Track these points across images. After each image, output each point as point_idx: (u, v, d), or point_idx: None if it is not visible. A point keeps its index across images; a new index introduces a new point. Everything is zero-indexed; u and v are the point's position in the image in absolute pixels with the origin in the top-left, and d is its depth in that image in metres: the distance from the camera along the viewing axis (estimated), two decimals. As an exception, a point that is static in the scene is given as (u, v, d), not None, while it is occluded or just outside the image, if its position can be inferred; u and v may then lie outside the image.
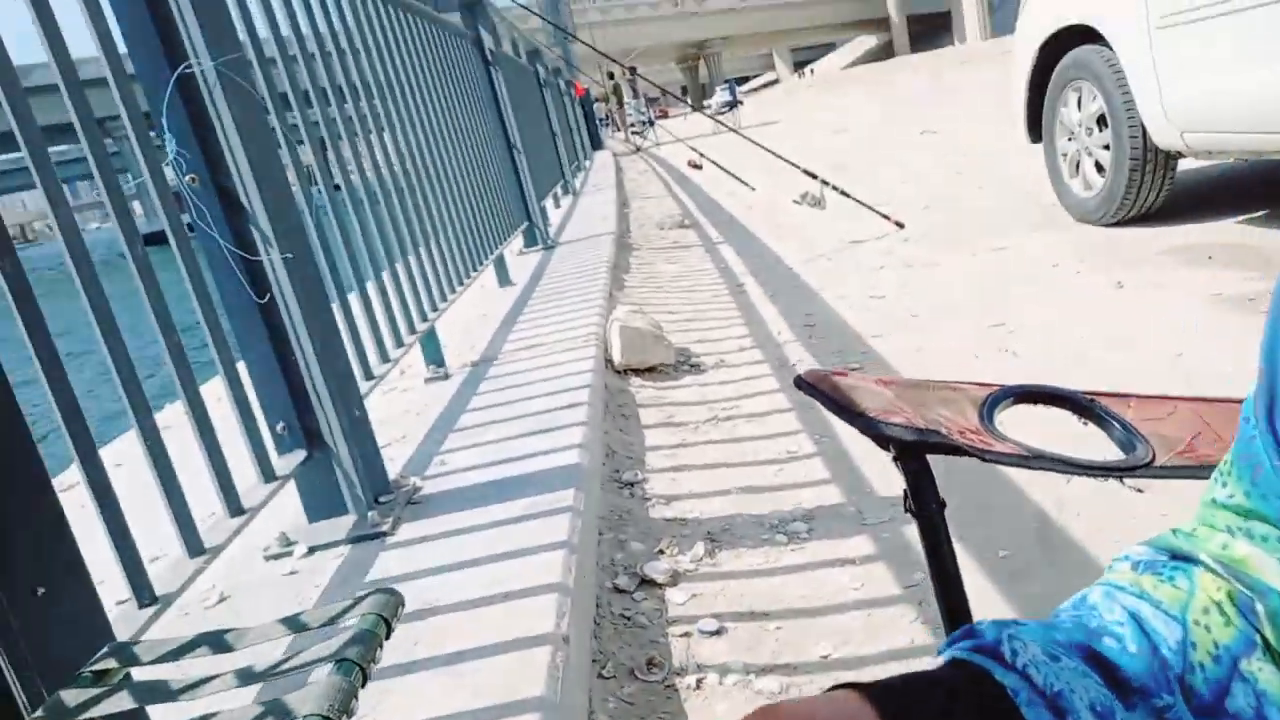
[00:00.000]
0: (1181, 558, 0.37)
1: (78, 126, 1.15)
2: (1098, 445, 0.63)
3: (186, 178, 1.40)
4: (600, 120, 22.18)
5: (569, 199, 7.83)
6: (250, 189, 1.43)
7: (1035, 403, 0.64)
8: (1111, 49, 3.28)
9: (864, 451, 1.90)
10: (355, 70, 2.32)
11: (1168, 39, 2.96)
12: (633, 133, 20.57)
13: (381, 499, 1.63)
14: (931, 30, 70.09)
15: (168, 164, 1.35)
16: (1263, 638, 0.33)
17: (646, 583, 1.50)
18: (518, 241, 4.69)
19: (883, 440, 0.57)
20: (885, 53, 68.42)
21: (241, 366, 1.50)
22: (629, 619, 1.37)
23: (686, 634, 1.34)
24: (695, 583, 1.50)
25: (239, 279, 1.46)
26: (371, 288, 2.15)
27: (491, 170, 3.96)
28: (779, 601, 1.41)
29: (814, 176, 4.74)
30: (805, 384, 0.62)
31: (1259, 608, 0.33)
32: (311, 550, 1.51)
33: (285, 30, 1.97)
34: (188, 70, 1.37)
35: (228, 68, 1.40)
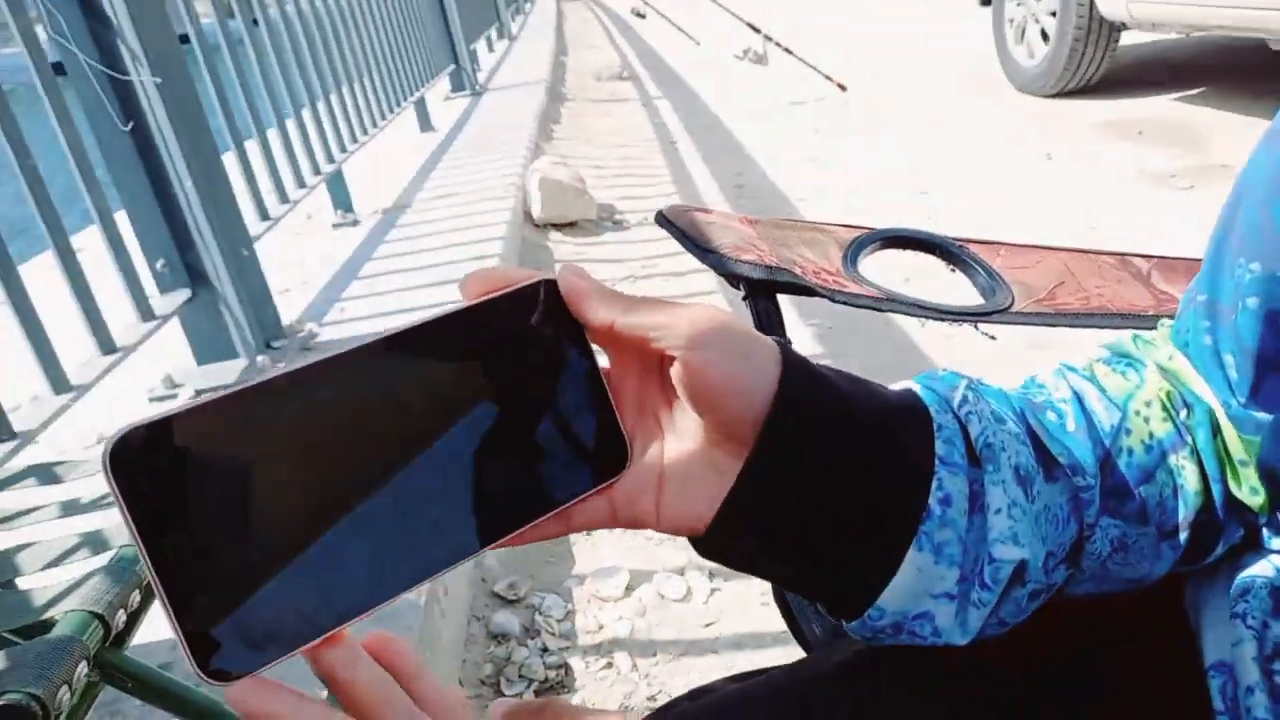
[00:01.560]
0: (1136, 360, 0.39)
1: None
2: (965, 294, 0.61)
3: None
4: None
5: (504, 43, 7.43)
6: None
7: (903, 247, 0.61)
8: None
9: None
10: None
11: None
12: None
13: (274, 344, 1.57)
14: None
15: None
16: (1191, 439, 0.36)
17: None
18: (444, 86, 4.45)
19: (733, 279, 0.53)
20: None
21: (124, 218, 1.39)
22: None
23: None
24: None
25: (105, 101, 1.34)
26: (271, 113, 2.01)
27: (416, 5, 3.70)
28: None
29: (757, 31, 4.56)
30: (665, 220, 0.58)
31: (1184, 414, 0.36)
32: (199, 393, 1.45)
33: None
34: None
35: None
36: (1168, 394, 0.36)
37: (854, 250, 0.59)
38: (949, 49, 4.95)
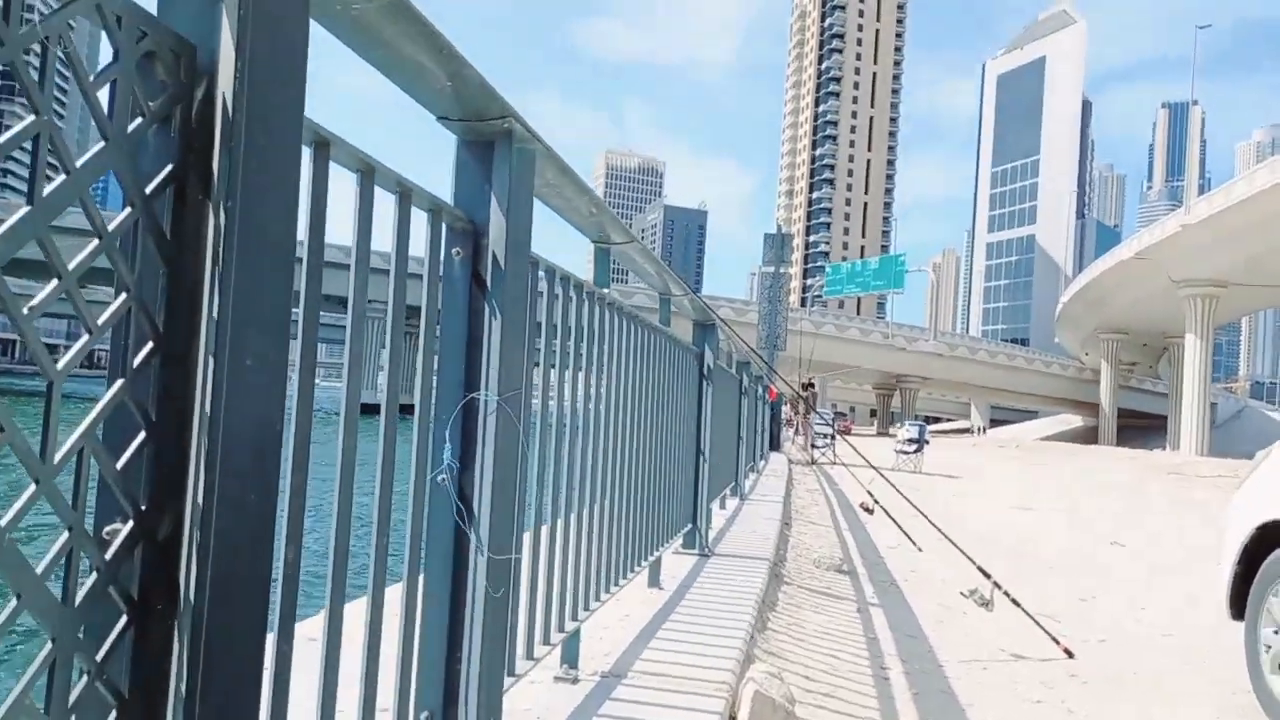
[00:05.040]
0: None
1: (350, 305, 1.35)
2: None
3: (439, 477, 1.62)
4: (785, 422, 22.68)
5: (736, 500, 7.95)
6: (484, 501, 1.64)
7: None
8: (1337, 560, 3.11)
9: None
10: (595, 332, 2.59)
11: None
12: (812, 445, 20.81)
13: (485, 816, 1.65)
14: (1142, 429, 68.17)
15: (440, 475, 1.59)
16: None
17: None
18: (677, 540, 4.80)
19: None
20: (1089, 436, 66.85)
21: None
22: None
23: None
24: None
25: (460, 572, 1.63)
26: (539, 570, 2.27)
27: (675, 471, 4.17)
28: None
29: (987, 575, 4.62)
30: None
31: None
32: None
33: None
34: (474, 396, 1.64)
35: (506, 401, 1.66)
36: None
37: None
38: (1186, 633, 4.70)
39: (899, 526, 7.18)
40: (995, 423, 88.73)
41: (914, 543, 6.95)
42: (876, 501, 7.82)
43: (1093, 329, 64.71)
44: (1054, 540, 8.92)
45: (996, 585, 4.53)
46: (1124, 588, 6.27)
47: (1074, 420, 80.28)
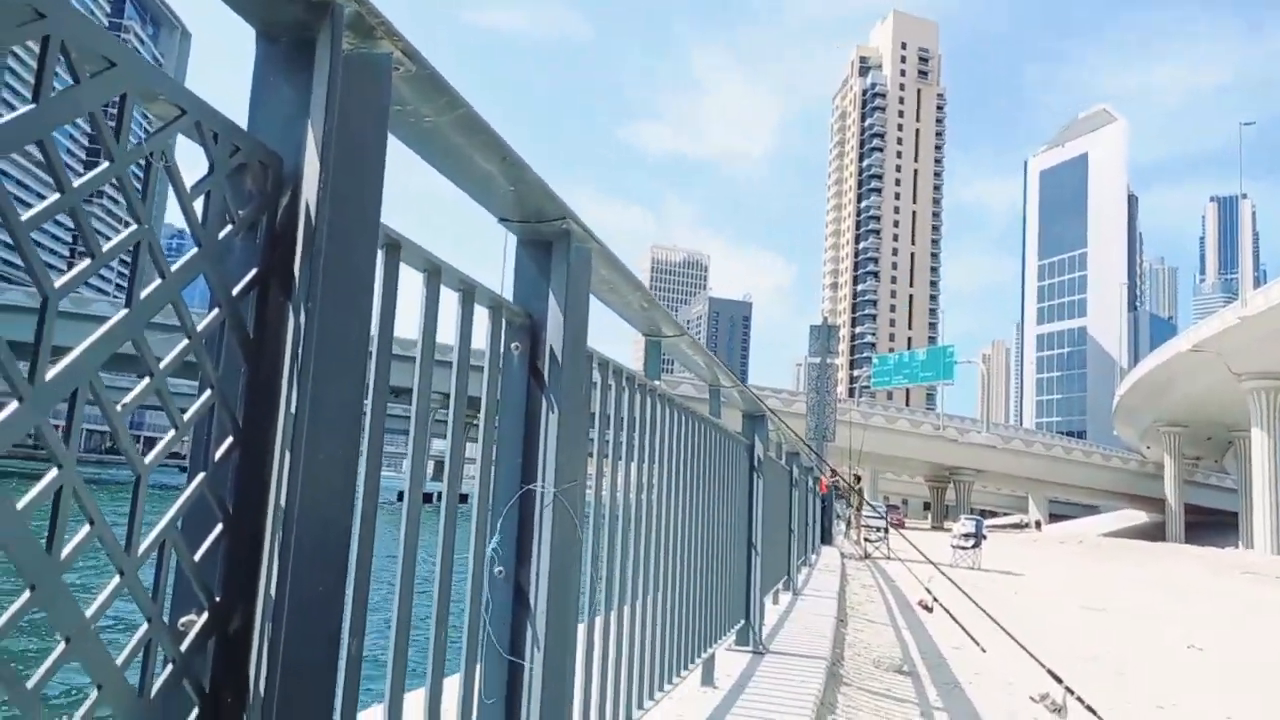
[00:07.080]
0: None
1: (413, 412, 1.36)
2: None
3: (496, 570, 1.62)
4: (835, 515, 22.19)
5: (789, 595, 7.75)
6: (540, 594, 1.63)
7: None
8: None
9: None
10: (647, 423, 2.60)
11: None
12: (865, 539, 20.31)
13: None
14: (1212, 525, 65.38)
15: (498, 569, 1.59)
16: None
17: None
18: (730, 637, 4.67)
19: None
20: (1155, 532, 64.19)
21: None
22: None
23: None
24: None
25: (516, 666, 1.61)
26: (593, 666, 2.22)
27: (727, 564, 4.09)
28: None
29: (1059, 680, 4.40)
30: None
31: None
32: None
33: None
34: (530, 488, 1.65)
35: (562, 493, 1.66)
36: None
37: None
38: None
39: (961, 626, 6.91)
40: (1054, 517, 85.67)
41: (977, 643, 6.67)
42: (936, 599, 7.56)
43: (1152, 422, 62.75)
44: (1126, 642, 8.49)
45: (1069, 690, 4.31)
46: (1206, 694, 5.91)
47: (1138, 516, 77.23)
